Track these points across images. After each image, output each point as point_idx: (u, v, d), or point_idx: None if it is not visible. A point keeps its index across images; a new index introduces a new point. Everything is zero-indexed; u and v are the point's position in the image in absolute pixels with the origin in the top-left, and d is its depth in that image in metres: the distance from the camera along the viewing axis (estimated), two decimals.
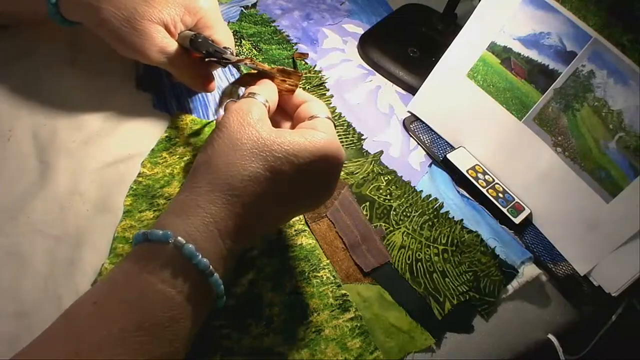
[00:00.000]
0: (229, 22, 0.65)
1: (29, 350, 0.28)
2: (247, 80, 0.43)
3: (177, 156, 0.49)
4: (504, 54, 0.54)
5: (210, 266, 0.31)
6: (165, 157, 0.48)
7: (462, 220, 0.53)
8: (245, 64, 0.43)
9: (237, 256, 0.35)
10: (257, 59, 0.62)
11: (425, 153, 0.60)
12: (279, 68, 0.42)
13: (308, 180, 0.36)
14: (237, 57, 0.44)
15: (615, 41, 0.47)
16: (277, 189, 0.34)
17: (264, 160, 0.33)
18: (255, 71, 0.43)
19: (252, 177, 0.33)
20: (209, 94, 0.55)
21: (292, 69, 0.41)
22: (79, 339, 0.28)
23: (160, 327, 0.29)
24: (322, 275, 0.45)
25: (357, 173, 0.55)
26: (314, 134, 0.36)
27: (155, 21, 0.43)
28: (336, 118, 0.59)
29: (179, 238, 0.31)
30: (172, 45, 0.45)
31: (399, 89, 0.66)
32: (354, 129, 0.59)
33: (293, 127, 0.41)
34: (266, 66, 0.42)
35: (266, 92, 0.38)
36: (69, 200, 0.43)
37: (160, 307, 0.29)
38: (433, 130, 0.62)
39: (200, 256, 0.31)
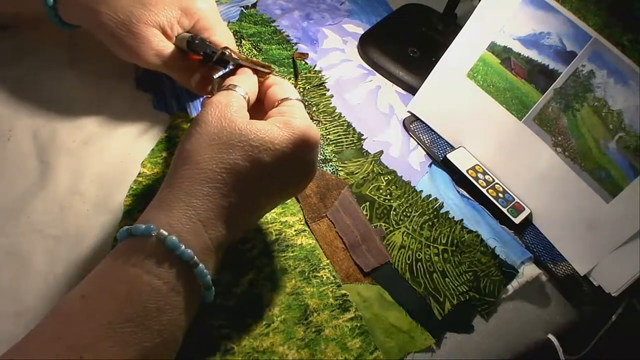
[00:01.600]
0: (229, 22, 0.65)
1: (20, 346, 0.28)
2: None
3: None
4: (504, 54, 0.54)
5: (195, 257, 0.31)
6: (165, 157, 0.48)
7: (462, 220, 0.53)
8: (224, 52, 0.42)
9: (225, 247, 0.35)
10: (257, 59, 0.62)
11: (425, 153, 0.60)
12: (255, 61, 0.41)
13: (289, 167, 0.36)
14: (221, 50, 0.43)
15: (615, 41, 0.47)
16: (258, 177, 0.35)
17: (242, 150, 0.34)
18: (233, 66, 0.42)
19: (230, 168, 0.34)
20: None
21: (266, 63, 0.42)
22: (69, 334, 0.28)
23: (148, 318, 0.29)
24: (322, 275, 0.45)
25: (357, 173, 0.55)
26: (289, 121, 0.36)
27: (151, 24, 0.43)
28: (336, 118, 0.59)
29: (162, 230, 0.31)
30: (168, 48, 0.45)
31: (399, 89, 0.66)
32: (354, 129, 0.59)
33: (265, 110, 0.41)
34: (243, 57, 0.42)
35: (246, 84, 0.39)
36: (69, 200, 0.43)
37: (147, 298, 0.29)
38: (433, 130, 0.62)
39: (183, 247, 0.31)
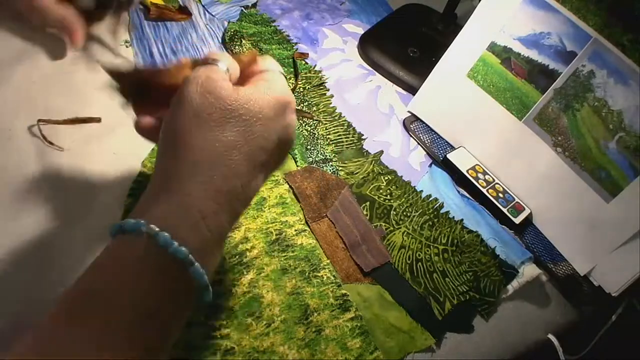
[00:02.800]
0: (229, 22, 0.65)
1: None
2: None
3: None
4: (504, 54, 0.54)
5: (190, 254, 0.28)
6: None
7: (462, 220, 0.53)
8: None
9: (225, 238, 0.33)
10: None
11: (425, 153, 0.60)
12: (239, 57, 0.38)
13: (276, 131, 0.34)
14: None
15: (615, 41, 0.47)
16: (253, 149, 0.33)
17: (235, 126, 0.32)
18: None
19: (227, 146, 0.31)
20: None
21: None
22: (51, 342, 0.26)
23: (138, 323, 0.27)
24: (322, 275, 0.45)
25: (357, 173, 0.55)
26: (270, 86, 0.34)
27: None
28: (336, 118, 0.59)
29: (152, 226, 0.28)
30: None
31: (399, 89, 0.66)
32: (354, 129, 0.59)
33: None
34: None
35: (227, 59, 0.35)
36: (69, 199, 0.43)
37: (136, 301, 0.27)
38: (433, 130, 0.62)
39: (176, 244, 0.28)
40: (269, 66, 0.37)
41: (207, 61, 0.34)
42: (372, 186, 0.54)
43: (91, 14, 0.51)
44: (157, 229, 0.28)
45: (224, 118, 0.32)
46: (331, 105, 0.61)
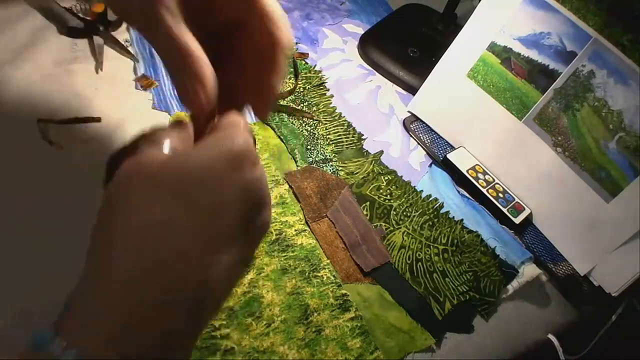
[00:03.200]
0: None
1: None
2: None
3: None
4: (504, 54, 0.54)
5: None
6: None
7: (462, 220, 0.53)
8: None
9: (181, 355, 0.25)
10: None
11: (425, 153, 0.60)
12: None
13: (232, 193, 0.25)
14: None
15: (615, 41, 0.47)
16: (201, 221, 0.24)
17: (168, 195, 0.24)
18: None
19: (163, 224, 0.24)
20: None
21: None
22: None
23: None
24: (322, 275, 0.45)
25: (357, 173, 0.55)
26: (220, 138, 0.26)
27: None
28: (336, 118, 0.59)
29: (56, 343, 0.21)
30: None
31: (399, 89, 0.66)
32: (354, 129, 0.59)
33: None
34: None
35: (171, 134, 0.28)
36: (69, 199, 0.43)
37: None
38: (433, 130, 0.62)
39: None
40: (231, 119, 0.29)
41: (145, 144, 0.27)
42: (372, 186, 0.54)
43: (80, 32, 0.53)
44: (61, 348, 0.21)
45: (152, 189, 0.24)
46: (331, 105, 0.60)
